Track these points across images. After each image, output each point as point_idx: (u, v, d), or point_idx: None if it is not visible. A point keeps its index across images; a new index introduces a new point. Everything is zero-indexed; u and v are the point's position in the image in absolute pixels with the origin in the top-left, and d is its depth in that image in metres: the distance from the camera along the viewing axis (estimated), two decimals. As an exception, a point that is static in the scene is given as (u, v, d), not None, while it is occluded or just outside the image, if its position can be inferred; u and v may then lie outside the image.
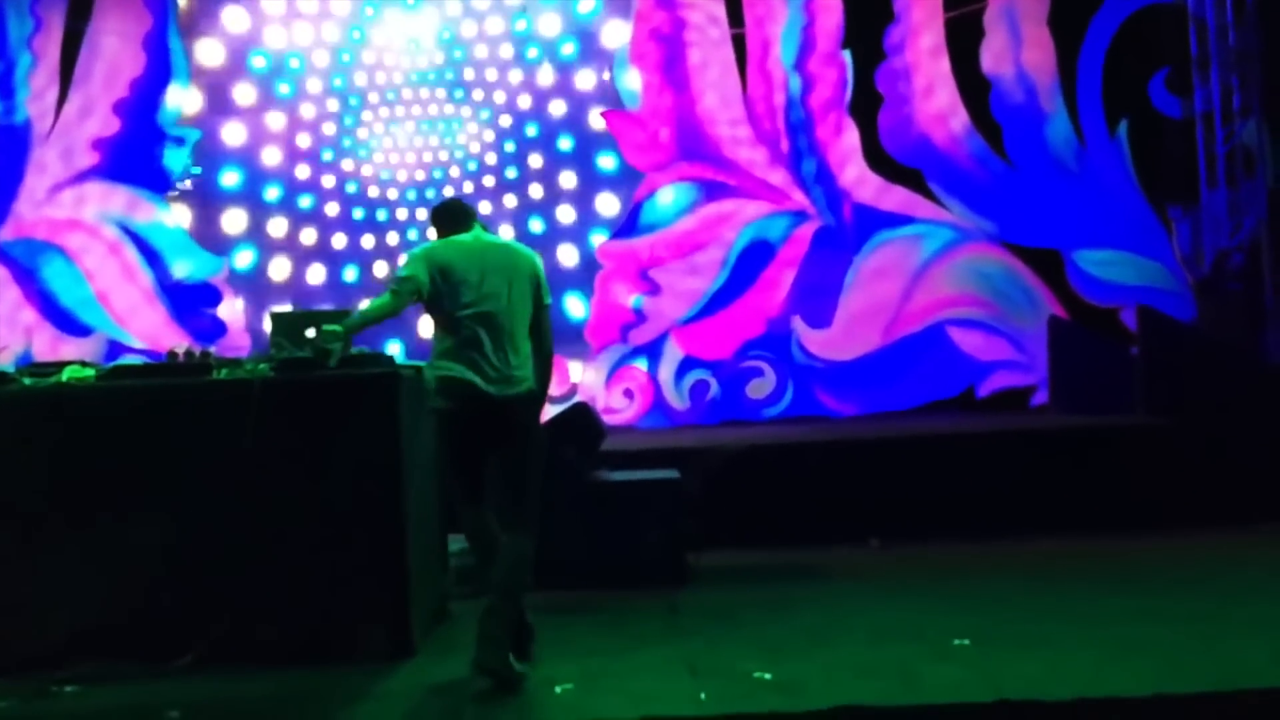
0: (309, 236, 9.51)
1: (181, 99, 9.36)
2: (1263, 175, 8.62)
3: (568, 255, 9.42)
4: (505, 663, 3.97)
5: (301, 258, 9.45)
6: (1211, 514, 6.47)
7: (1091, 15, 9.20)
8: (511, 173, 9.50)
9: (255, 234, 9.44)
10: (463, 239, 4.39)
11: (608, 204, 9.51)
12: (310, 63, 9.44)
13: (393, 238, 9.48)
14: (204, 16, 9.36)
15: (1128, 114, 9.19)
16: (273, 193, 9.48)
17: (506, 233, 9.11)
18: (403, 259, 4.42)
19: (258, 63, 9.43)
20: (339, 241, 9.50)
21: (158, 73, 9.36)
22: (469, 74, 9.49)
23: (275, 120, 9.44)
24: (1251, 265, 8.61)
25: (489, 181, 9.43)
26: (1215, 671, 3.74)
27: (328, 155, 9.46)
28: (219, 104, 9.40)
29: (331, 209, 9.51)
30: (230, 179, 9.45)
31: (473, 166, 9.45)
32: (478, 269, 4.28)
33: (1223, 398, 7.10)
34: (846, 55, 9.45)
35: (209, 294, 9.37)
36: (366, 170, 9.47)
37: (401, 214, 9.49)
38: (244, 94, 9.42)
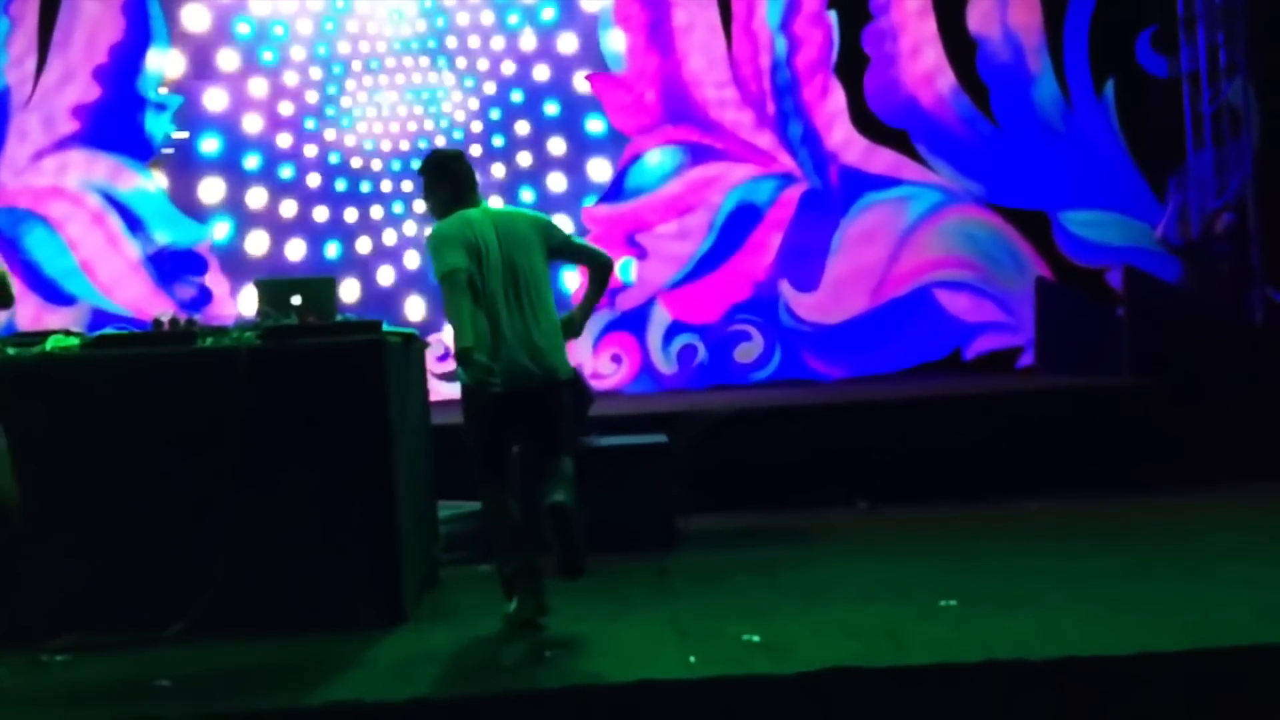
0: (289, 209, 9.39)
1: (163, 62, 9.23)
2: (1249, 134, 8.61)
3: (561, 224, 9.32)
4: (541, 611, 4.12)
5: (280, 230, 9.33)
6: (1197, 474, 6.51)
7: (1079, -27, 9.16)
8: (498, 140, 9.43)
9: (233, 206, 9.31)
10: (473, 214, 4.31)
11: (599, 169, 9.45)
12: (294, 30, 9.33)
13: (376, 211, 9.38)
14: None
15: (1114, 74, 9.17)
16: (252, 161, 9.36)
17: (496, 203, 9.06)
18: (435, 249, 4.21)
19: (242, 29, 9.32)
20: (320, 214, 9.38)
21: (137, 38, 9.24)
22: (451, 42, 9.40)
23: (258, 86, 9.33)
24: (1238, 225, 8.62)
25: (476, 151, 9.33)
26: (1201, 629, 3.77)
27: (310, 124, 9.35)
28: (202, 69, 9.29)
29: (313, 180, 9.39)
30: (210, 145, 9.33)
31: (458, 135, 9.36)
32: (496, 246, 4.24)
33: (1209, 358, 7.13)
34: (832, 16, 9.38)
35: (194, 262, 9.30)
36: (349, 140, 9.36)
37: (386, 186, 9.39)
38: (227, 59, 9.31)
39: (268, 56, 9.31)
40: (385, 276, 9.33)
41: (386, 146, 9.37)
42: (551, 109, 9.46)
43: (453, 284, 4.13)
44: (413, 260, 9.33)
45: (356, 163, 9.38)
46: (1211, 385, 6.91)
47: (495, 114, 9.40)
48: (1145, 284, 7.98)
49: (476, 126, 9.40)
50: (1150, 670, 3.51)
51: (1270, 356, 7.39)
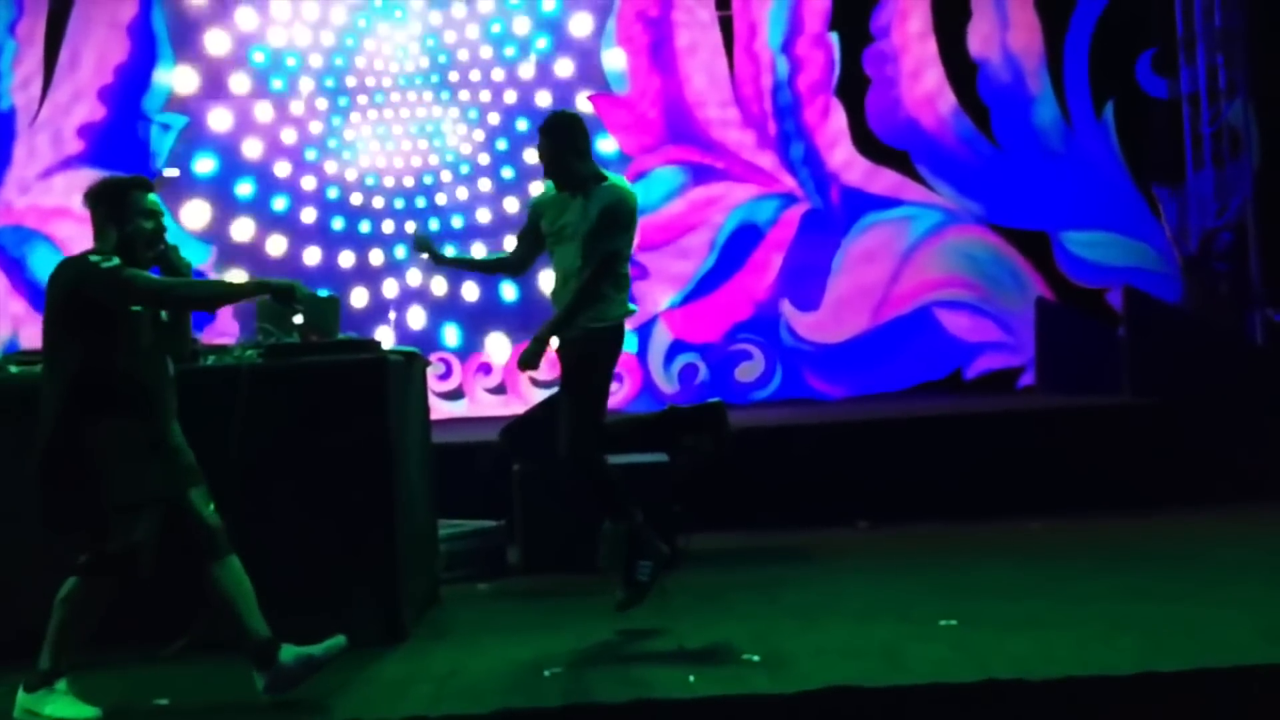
0: (276, 246, 9.25)
1: (176, 79, 9.24)
2: (1249, 155, 8.64)
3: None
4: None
5: (262, 273, 8.99)
6: (1197, 493, 6.51)
7: (1078, -4, 9.22)
8: (508, 173, 9.42)
9: (217, 236, 9.21)
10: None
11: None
12: (306, 63, 9.36)
13: (376, 256, 9.27)
14: (220, 10, 9.29)
15: (1114, 95, 9.20)
16: (245, 188, 9.29)
17: (510, 243, 9.17)
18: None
19: (257, 58, 9.37)
20: (311, 257, 9.23)
21: (143, 58, 9.30)
22: (453, 76, 9.42)
23: (264, 111, 9.34)
24: (1238, 246, 8.65)
25: (485, 186, 9.36)
26: (1200, 649, 3.77)
27: (311, 154, 9.33)
28: (213, 90, 9.31)
29: (308, 215, 9.28)
30: (205, 165, 9.28)
31: (465, 170, 9.38)
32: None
33: (1209, 378, 7.14)
34: (834, 37, 9.44)
35: (197, 281, 9.31)
36: (350, 174, 9.31)
37: (388, 227, 9.32)
38: (239, 83, 9.35)
39: (277, 84, 9.35)
40: (384, 338, 7.90)
41: (390, 182, 9.35)
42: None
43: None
44: (417, 319, 9.28)
45: (356, 199, 9.32)
46: (1212, 405, 6.92)
47: (502, 144, 9.41)
48: (1145, 304, 7.99)
49: (484, 159, 9.40)
50: (1150, 691, 3.51)
51: (1270, 377, 7.40)
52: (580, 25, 9.47)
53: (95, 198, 3.91)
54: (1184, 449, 6.76)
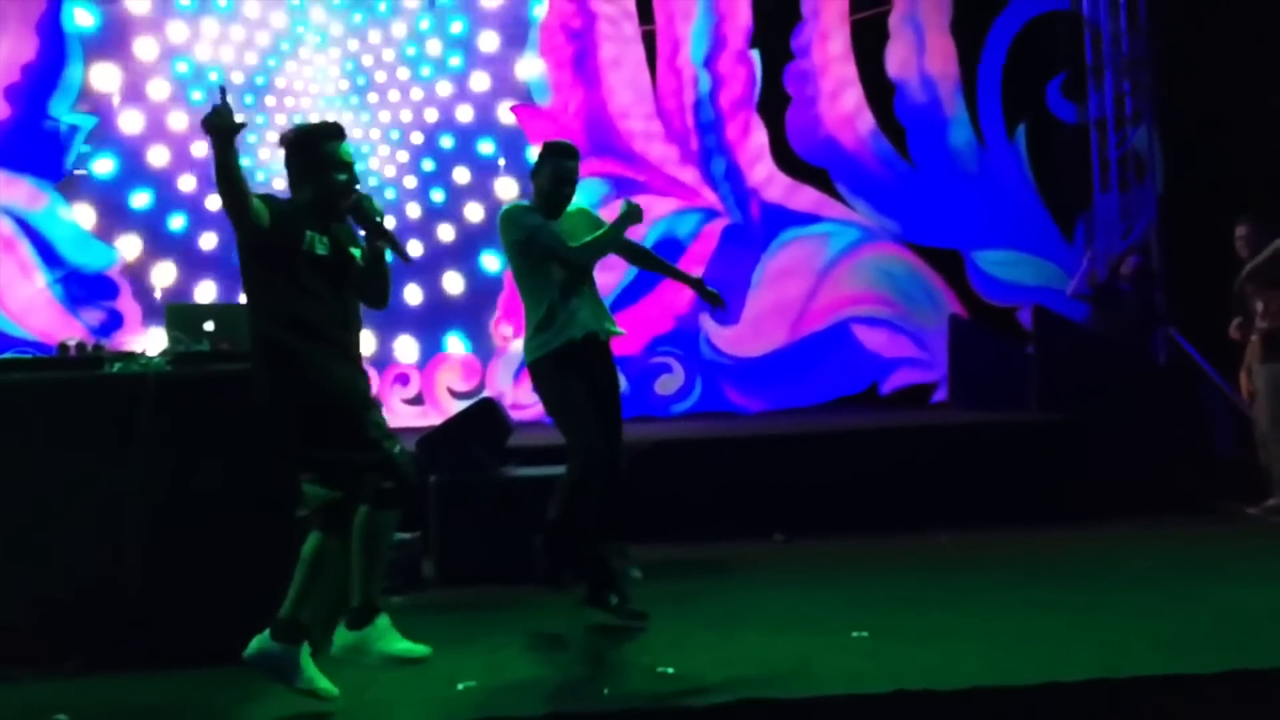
0: (164, 275, 8.98)
1: (95, 75, 9.03)
2: (1153, 180, 8.91)
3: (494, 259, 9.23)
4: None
5: (148, 312, 8.80)
6: (1102, 507, 6.68)
7: (992, 20, 9.42)
8: (438, 195, 9.35)
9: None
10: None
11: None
12: (228, 79, 9.19)
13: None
14: (155, 20, 9.14)
15: (1026, 118, 9.43)
16: (141, 199, 9.08)
17: (454, 280, 9.11)
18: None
19: (180, 68, 9.21)
20: (205, 293, 8.91)
21: (52, 58, 9.05)
22: (373, 98, 9.34)
23: (177, 120, 9.16)
24: (1143, 267, 8.90)
25: (414, 212, 9.27)
26: (1102, 660, 3.87)
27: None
28: (131, 94, 9.10)
29: (207, 241, 9.06)
30: (104, 166, 9.05)
31: (391, 195, 9.26)
32: None
33: (1114, 395, 7.34)
34: (755, 54, 9.54)
35: (105, 286, 9.09)
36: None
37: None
38: (158, 89, 9.17)
39: (196, 96, 9.19)
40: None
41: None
42: (486, 147, 9.44)
43: None
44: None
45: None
46: (1116, 421, 7.10)
47: (429, 165, 9.34)
48: (1053, 323, 8.19)
49: (411, 182, 9.31)
50: (1052, 700, 3.59)
51: (1172, 394, 7.64)
52: (488, 42, 9.47)
53: (290, 148, 3.88)
54: (1090, 464, 6.93)
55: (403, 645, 3.76)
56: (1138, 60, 9.04)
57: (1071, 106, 9.45)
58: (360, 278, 3.89)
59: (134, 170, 9.10)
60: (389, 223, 4.01)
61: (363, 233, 3.91)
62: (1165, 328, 8.58)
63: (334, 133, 3.87)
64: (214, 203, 9.05)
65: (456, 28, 9.49)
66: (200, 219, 9.09)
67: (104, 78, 9.07)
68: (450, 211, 9.36)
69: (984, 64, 9.45)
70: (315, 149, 3.82)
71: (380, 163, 9.30)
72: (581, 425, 4.59)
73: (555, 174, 4.82)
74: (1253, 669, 3.70)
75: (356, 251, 3.89)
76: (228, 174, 3.55)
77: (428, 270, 9.14)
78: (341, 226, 3.89)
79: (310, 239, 3.74)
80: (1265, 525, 6.51)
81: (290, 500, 4.33)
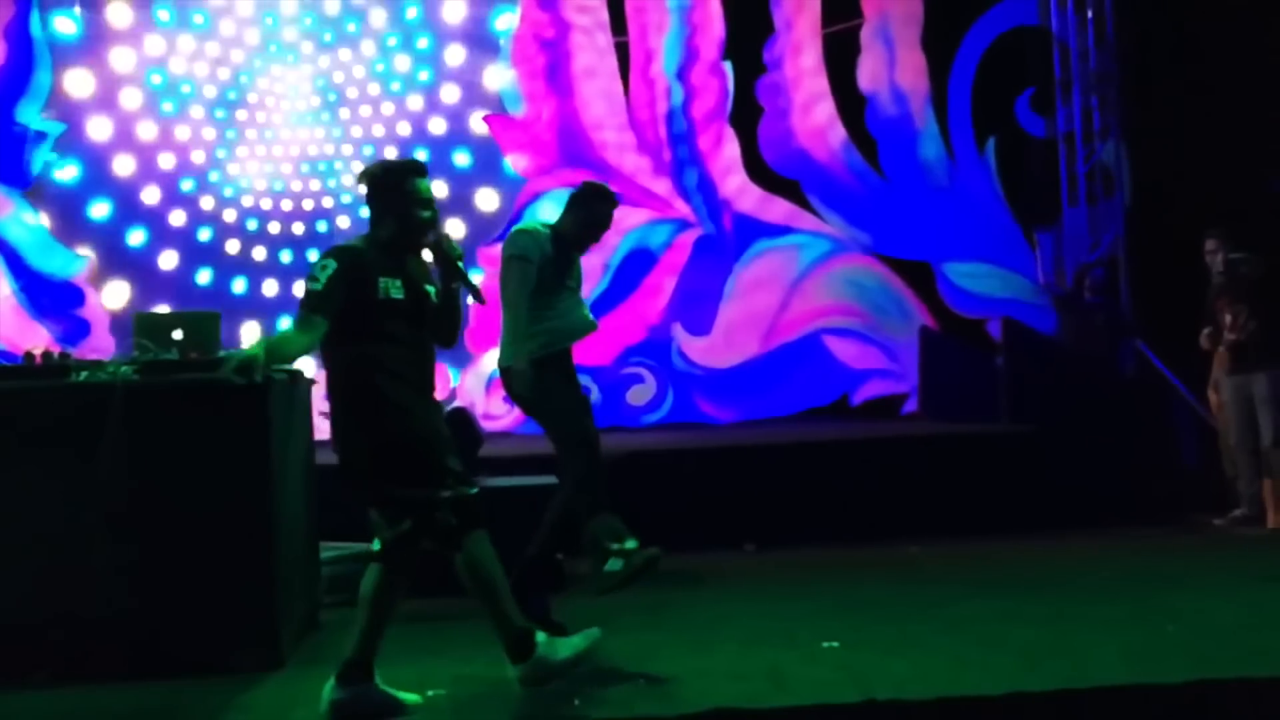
0: (116, 296, 8.95)
1: (70, 80, 9.02)
2: (1120, 194, 9.01)
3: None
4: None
5: (115, 322, 8.76)
6: (1070, 517, 6.74)
7: (962, 35, 9.51)
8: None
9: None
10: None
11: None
12: (200, 93, 9.19)
13: (250, 331, 8.90)
14: (134, 33, 9.14)
15: (995, 132, 9.52)
16: (100, 209, 9.02)
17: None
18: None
19: (154, 79, 9.18)
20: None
21: (19, 63, 8.98)
22: (344, 113, 9.33)
23: (146, 130, 9.12)
24: (1110, 280, 8.99)
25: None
26: (1069, 670, 3.89)
27: (187, 185, 9.14)
28: (103, 103, 9.07)
29: (167, 260, 9.03)
30: (67, 173, 9.00)
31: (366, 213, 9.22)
32: None
33: (1082, 407, 7.41)
34: (728, 66, 9.58)
35: (72, 294, 9.01)
36: (229, 215, 9.12)
37: (269, 289, 9.14)
38: (130, 97, 9.13)
39: (167, 107, 9.17)
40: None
41: (276, 229, 9.19)
42: (462, 159, 9.44)
43: None
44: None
45: (233, 248, 9.14)
46: (1084, 433, 7.17)
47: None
48: (1022, 335, 8.26)
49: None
50: (1020, 710, 3.61)
51: (1139, 406, 7.71)
52: (455, 55, 9.49)
53: (373, 183, 3.86)
54: (1058, 474, 6.98)
55: (577, 639, 3.88)
56: (1105, 76, 9.14)
57: (1040, 121, 9.54)
58: (434, 317, 3.89)
59: (96, 178, 9.04)
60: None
61: (437, 270, 3.91)
62: (1132, 340, 8.66)
63: (418, 169, 3.88)
64: (177, 218, 9.04)
65: (423, 44, 9.52)
66: (162, 236, 9.08)
67: (77, 84, 9.04)
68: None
69: (954, 78, 9.53)
70: (400, 185, 3.81)
71: (353, 181, 9.28)
72: (572, 416, 4.70)
73: (590, 218, 4.83)
74: (1218, 679, 3.74)
75: (430, 289, 3.89)
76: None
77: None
78: (417, 262, 3.89)
79: (385, 286, 3.73)
80: (1231, 536, 6.58)
81: (259, 512, 4.32)
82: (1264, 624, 4.45)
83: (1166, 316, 8.17)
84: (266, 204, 9.22)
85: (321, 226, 9.23)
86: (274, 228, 9.22)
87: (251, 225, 9.19)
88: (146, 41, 9.17)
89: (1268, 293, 6.66)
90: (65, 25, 9.07)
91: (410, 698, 3.76)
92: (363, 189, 3.89)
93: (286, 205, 9.25)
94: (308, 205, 9.27)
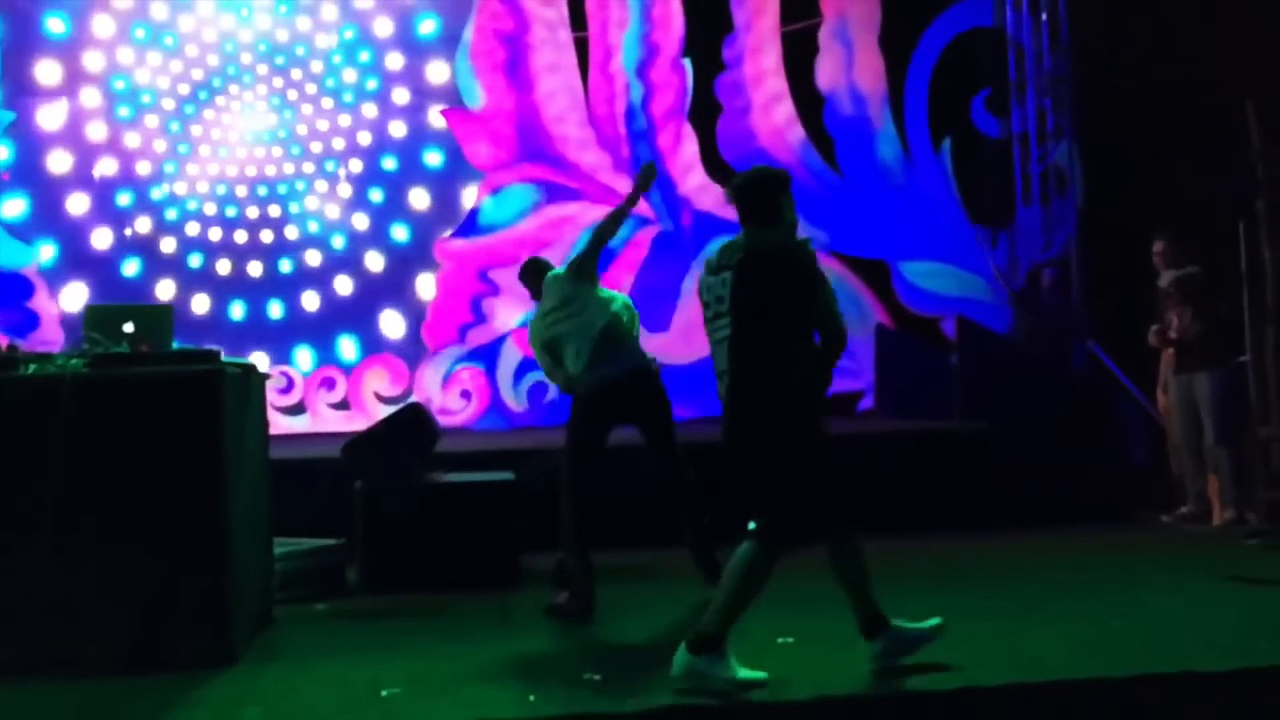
0: (73, 296, 8.83)
1: (39, 69, 9.00)
2: (1073, 195, 9.12)
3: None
4: None
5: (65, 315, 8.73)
6: (1022, 514, 6.81)
7: (919, 35, 9.58)
8: (401, 233, 9.36)
9: None
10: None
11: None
12: (159, 105, 9.11)
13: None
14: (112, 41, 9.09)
15: (951, 132, 9.60)
16: (17, 205, 8.91)
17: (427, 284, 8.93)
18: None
19: (118, 85, 9.11)
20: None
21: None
22: (302, 129, 9.30)
23: (96, 130, 9.07)
24: (1062, 279, 9.10)
25: (361, 223, 9.21)
26: (1021, 665, 3.94)
27: (124, 199, 9.04)
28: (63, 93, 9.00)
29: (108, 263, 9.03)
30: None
31: (343, 244, 9.24)
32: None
33: (1034, 405, 7.49)
34: (687, 63, 9.59)
35: (20, 285, 8.86)
36: (167, 245, 9.07)
37: (236, 311, 9.11)
38: (90, 97, 9.04)
39: (124, 112, 9.10)
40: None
41: (225, 269, 9.14)
42: (434, 158, 9.41)
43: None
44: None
45: (168, 245, 9.08)
46: (1035, 431, 7.25)
47: (377, 195, 9.34)
48: (976, 334, 8.34)
49: (361, 221, 9.28)
50: (972, 705, 3.65)
51: (1090, 405, 7.81)
52: (395, 61, 9.50)
53: (764, 187, 4.25)
54: (1010, 472, 7.05)
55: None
56: (1059, 77, 9.25)
57: (995, 121, 9.65)
58: None
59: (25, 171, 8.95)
60: None
61: None
62: (1083, 340, 8.78)
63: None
64: (102, 237, 8.97)
65: (364, 56, 9.49)
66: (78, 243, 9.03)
67: (46, 72, 9.04)
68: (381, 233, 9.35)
69: (911, 78, 9.61)
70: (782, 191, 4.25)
71: (319, 200, 9.23)
72: None
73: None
74: (1166, 672, 3.80)
75: None
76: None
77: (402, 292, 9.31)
78: None
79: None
80: (1178, 532, 6.69)
81: (211, 507, 4.27)
82: (1209, 619, 4.52)
83: (1117, 316, 8.28)
84: (210, 209, 9.17)
85: (266, 237, 9.19)
86: (215, 234, 9.18)
87: (192, 230, 9.14)
88: (119, 51, 9.16)
89: (1212, 295, 6.77)
90: (56, 25, 9.07)
91: (759, 676, 3.83)
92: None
93: (231, 212, 9.20)
94: (253, 214, 9.21)
